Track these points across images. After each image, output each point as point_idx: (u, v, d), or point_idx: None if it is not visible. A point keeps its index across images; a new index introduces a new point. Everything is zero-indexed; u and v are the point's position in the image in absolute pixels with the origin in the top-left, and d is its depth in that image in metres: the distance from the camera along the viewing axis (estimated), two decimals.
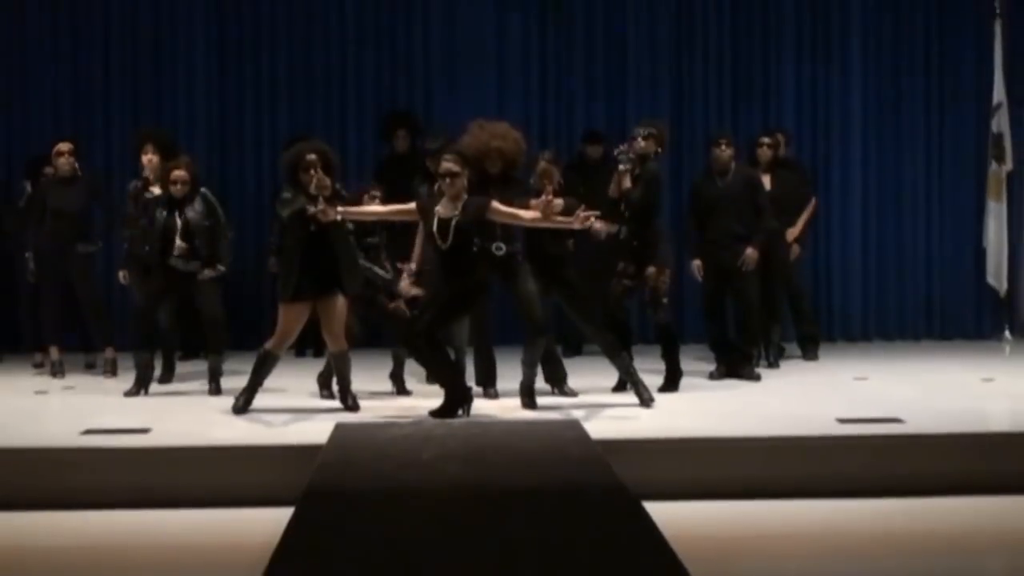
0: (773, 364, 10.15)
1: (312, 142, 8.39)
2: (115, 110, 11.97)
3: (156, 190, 9.25)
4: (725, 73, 12.28)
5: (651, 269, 8.71)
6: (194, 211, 8.98)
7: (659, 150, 8.96)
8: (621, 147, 8.87)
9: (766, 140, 10.36)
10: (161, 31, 12.00)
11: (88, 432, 7.35)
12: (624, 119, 12.14)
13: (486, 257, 7.98)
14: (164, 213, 8.93)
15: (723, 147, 9.53)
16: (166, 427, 7.55)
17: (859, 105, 12.32)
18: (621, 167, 8.74)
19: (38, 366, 10.42)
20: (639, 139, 8.87)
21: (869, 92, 12.33)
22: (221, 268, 9.06)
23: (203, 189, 9.12)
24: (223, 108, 12.06)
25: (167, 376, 9.56)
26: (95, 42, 11.96)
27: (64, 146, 9.96)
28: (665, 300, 8.76)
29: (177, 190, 8.96)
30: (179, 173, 8.98)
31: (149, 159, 9.50)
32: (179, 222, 8.92)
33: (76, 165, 9.95)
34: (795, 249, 10.60)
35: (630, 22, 12.22)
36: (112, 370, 9.89)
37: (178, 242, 8.89)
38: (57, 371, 9.95)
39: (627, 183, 8.75)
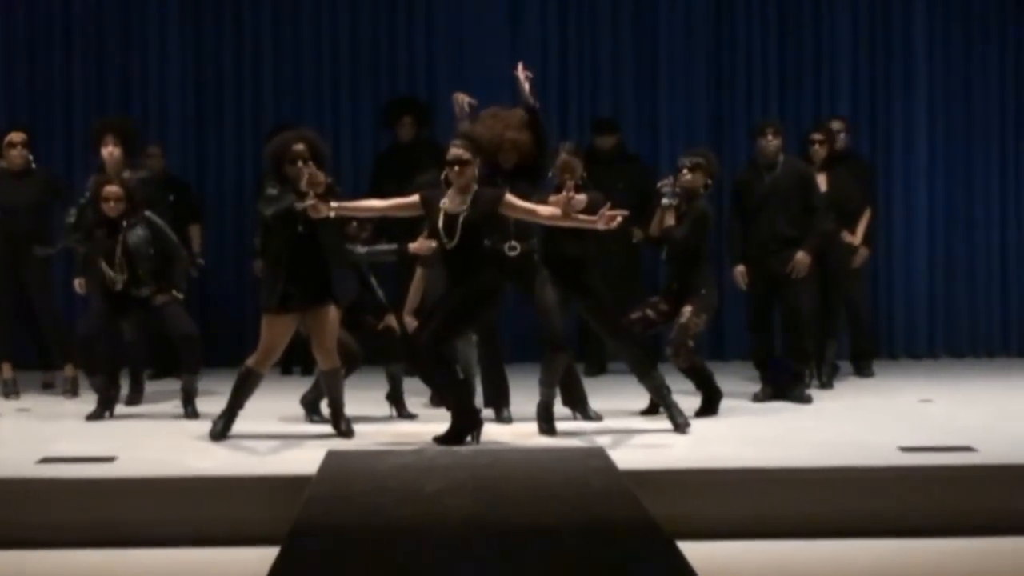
0: (826, 384, 10.15)
1: (299, 131, 8.38)
2: (77, 94, 12.00)
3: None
4: (771, 54, 12.28)
5: (688, 308, 8.72)
6: (135, 236, 8.86)
7: (708, 183, 8.95)
8: (665, 181, 8.91)
9: (818, 137, 10.30)
10: (129, 3, 12.02)
11: (45, 460, 7.36)
12: (655, 105, 12.16)
13: (498, 259, 7.99)
14: (102, 233, 8.86)
15: (769, 137, 9.54)
16: (134, 455, 7.55)
17: (924, 92, 12.32)
18: (665, 202, 8.76)
19: None
20: (684, 171, 8.87)
21: (935, 77, 12.34)
22: (178, 295, 9.01)
23: (147, 213, 8.98)
24: (199, 92, 12.08)
25: (135, 397, 9.57)
26: (54, 17, 11.99)
27: (16, 136, 9.96)
28: (692, 344, 8.76)
29: (110, 208, 8.85)
30: (112, 189, 8.86)
31: (110, 152, 9.44)
32: (118, 247, 8.82)
33: (30, 157, 9.96)
34: (862, 252, 10.61)
35: None
36: (73, 390, 9.90)
37: (112, 272, 8.81)
38: (10, 391, 9.98)
39: (670, 220, 8.77)
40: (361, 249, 8.70)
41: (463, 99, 8.70)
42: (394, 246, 8.71)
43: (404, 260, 8.78)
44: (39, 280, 9.94)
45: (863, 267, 10.80)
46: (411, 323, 8.65)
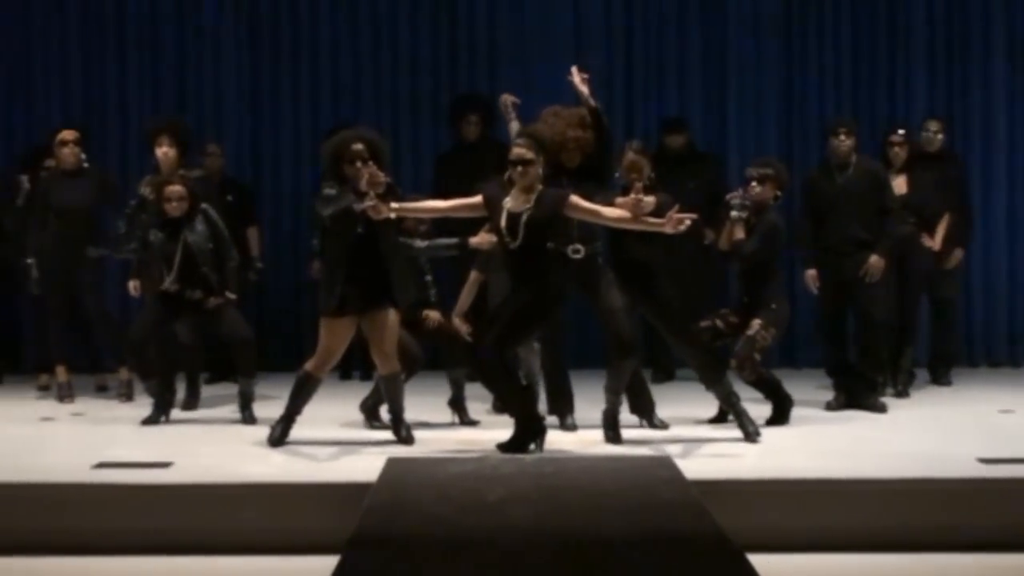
0: (902, 393, 10.11)
1: (358, 130, 8.41)
2: (132, 95, 12.09)
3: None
4: (844, 49, 12.22)
5: (757, 321, 8.72)
6: (195, 233, 8.93)
7: (778, 194, 8.94)
8: (734, 193, 8.91)
9: (897, 139, 10.26)
10: (184, 2, 12.12)
11: (101, 466, 7.43)
12: (723, 104, 12.13)
13: (561, 261, 8.01)
14: (160, 235, 8.92)
15: (842, 137, 9.51)
16: (190, 461, 7.62)
17: (1003, 90, 12.22)
18: (734, 215, 8.76)
19: (43, 389, 10.56)
20: (753, 183, 8.86)
21: (1017, 70, 12.22)
22: (231, 296, 9.07)
23: (204, 205, 9.05)
24: (255, 90, 12.16)
25: (191, 402, 9.65)
26: (107, 15, 12.09)
27: (69, 134, 10.05)
28: (758, 357, 8.74)
29: (173, 208, 8.90)
30: (174, 189, 8.91)
31: (164, 152, 9.51)
32: (179, 247, 8.88)
33: (82, 156, 10.05)
34: (956, 254, 10.58)
35: None
36: (128, 394, 10.00)
37: (171, 275, 8.88)
38: (65, 395, 10.08)
39: (740, 234, 8.76)
40: (421, 243, 8.73)
41: (508, 99, 8.81)
42: (455, 240, 8.74)
43: (465, 255, 8.81)
44: (92, 282, 10.02)
45: (957, 269, 10.74)
46: (460, 326, 8.69)
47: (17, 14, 12.06)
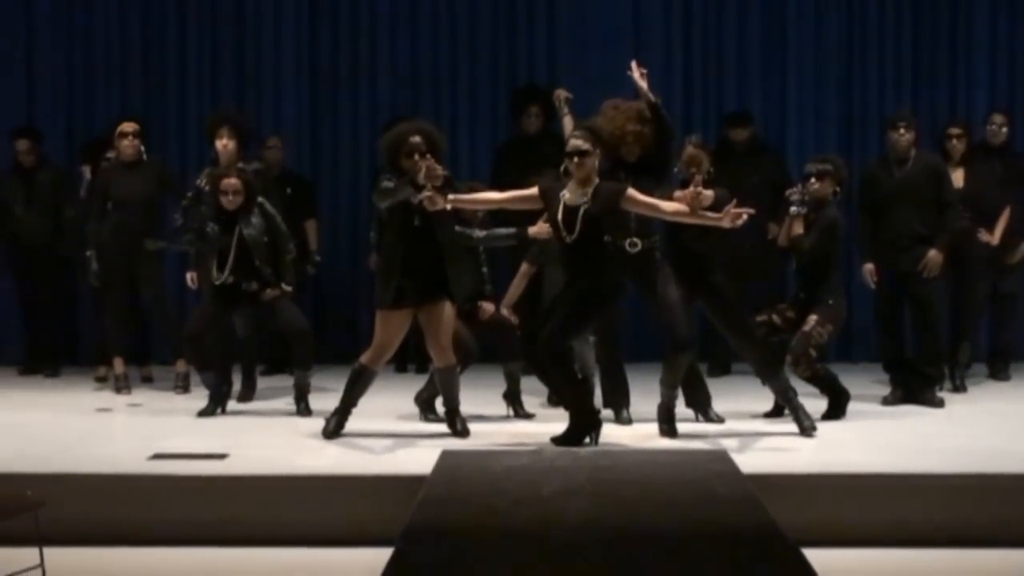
0: (959, 387, 10.04)
1: (416, 122, 8.41)
2: (192, 87, 12.13)
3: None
4: (904, 40, 12.12)
5: (813, 317, 8.67)
6: (251, 226, 8.99)
7: (837, 190, 8.90)
8: (793, 189, 8.87)
9: (955, 131, 10.19)
10: None
11: (157, 457, 7.48)
12: (783, 98, 12.06)
13: (618, 255, 7.98)
14: (216, 228, 8.97)
15: (902, 131, 9.45)
16: (246, 452, 7.65)
17: None
18: (793, 211, 8.72)
19: (100, 380, 10.61)
20: (812, 179, 8.82)
21: None
22: (287, 288, 9.11)
23: (260, 199, 9.10)
24: (314, 85, 12.17)
25: (247, 393, 9.67)
26: (167, 6, 12.14)
27: (128, 126, 10.11)
28: (814, 353, 8.69)
29: (229, 201, 8.96)
30: (230, 182, 8.97)
31: (224, 144, 9.54)
32: (234, 240, 8.94)
33: (142, 148, 10.09)
34: (1022, 248, 10.49)
35: None
36: (184, 386, 10.04)
37: (225, 269, 8.93)
38: (122, 386, 10.12)
39: (798, 230, 8.73)
40: (479, 233, 8.74)
41: (562, 95, 8.86)
42: (512, 230, 8.74)
43: (523, 245, 8.81)
44: (150, 274, 10.06)
45: (1019, 263, 10.63)
46: (509, 316, 8.70)
47: (78, 6, 12.12)
